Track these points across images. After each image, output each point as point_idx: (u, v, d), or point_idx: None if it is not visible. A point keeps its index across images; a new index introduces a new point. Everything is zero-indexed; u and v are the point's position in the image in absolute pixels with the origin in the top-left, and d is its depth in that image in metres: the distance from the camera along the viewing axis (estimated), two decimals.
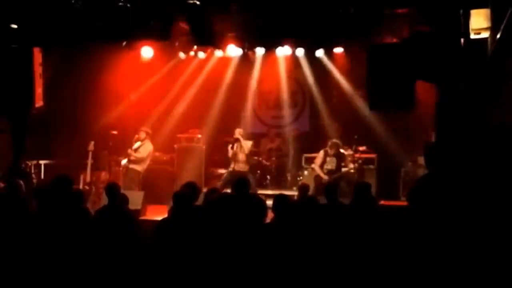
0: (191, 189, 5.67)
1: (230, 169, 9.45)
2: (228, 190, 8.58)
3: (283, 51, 10.53)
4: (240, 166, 9.40)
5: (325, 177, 9.06)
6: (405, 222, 5.06)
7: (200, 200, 6.02)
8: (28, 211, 5.36)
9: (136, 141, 9.76)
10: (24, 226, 4.62)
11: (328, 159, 9.25)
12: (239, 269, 4.37)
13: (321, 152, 9.37)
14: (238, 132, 9.55)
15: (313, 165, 9.54)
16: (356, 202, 5.84)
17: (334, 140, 9.45)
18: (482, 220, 4.80)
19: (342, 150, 9.34)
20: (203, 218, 5.03)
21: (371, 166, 10.47)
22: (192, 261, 4.45)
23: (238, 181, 6.25)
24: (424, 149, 5.65)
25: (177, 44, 9.42)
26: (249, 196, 6.08)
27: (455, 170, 5.24)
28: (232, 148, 9.44)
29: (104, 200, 6.47)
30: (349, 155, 9.79)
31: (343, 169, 9.17)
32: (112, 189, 5.93)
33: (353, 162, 9.30)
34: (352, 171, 9.29)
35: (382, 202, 8.42)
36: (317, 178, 9.12)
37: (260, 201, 6.15)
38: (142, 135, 9.77)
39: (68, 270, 4.31)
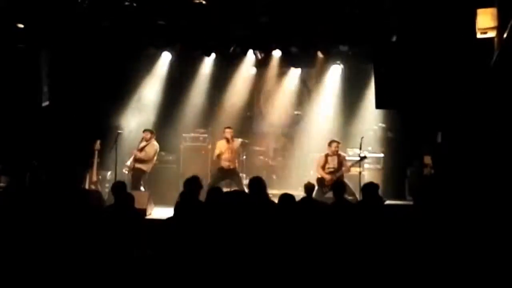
0: (192, 183, 5.69)
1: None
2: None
3: (289, 51, 10.53)
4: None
5: (328, 177, 9.07)
6: (411, 221, 5.05)
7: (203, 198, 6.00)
8: (32, 207, 5.37)
9: (142, 141, 9.77)
10: (28, 222, 4.64)
11: (329, 159, 9.27)
12: (244, 267, 4.37)
13: (322, 155, 9.40)
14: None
15: (315, 168, 9.55)
16: (364, 202, 5.84)
17: (333, 139, 9.46)
18: (489, 220, 4.78)
19: (341, 153, 9.34)
20: (208, 215, 5.03)
21: (378, 166, 10.46)
22: (198, 258, 4.45)
23: (255, 180, 6.06)
24: (432, 149, 5.64)
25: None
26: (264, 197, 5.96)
27: (461, 170, 5.22)
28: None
29: (110, 200, 6.49)
30: (354, 155, 9.79)
31: (343, 168, 9.17)
32: (118, 189, 5.94)
33: (358, 162, 9.27)
34: (358, 170, 9.26)
35: (388, 201, 8.41)
36: (320, 180, 9.12)
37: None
38: (148, 134, 9.78)
39: (73, 269, 4.32)
